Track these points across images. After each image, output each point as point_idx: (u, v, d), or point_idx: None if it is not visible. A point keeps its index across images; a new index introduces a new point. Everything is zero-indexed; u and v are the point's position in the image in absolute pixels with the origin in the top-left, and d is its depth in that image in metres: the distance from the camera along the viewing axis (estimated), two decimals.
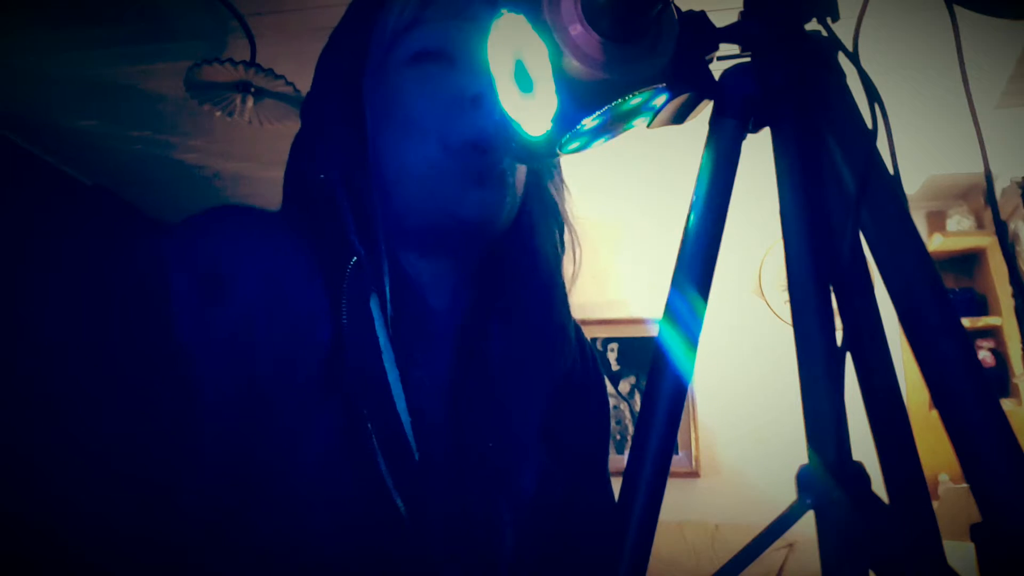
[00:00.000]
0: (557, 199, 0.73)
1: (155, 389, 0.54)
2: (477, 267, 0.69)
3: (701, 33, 0.54)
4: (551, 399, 0.68)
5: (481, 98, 0.61)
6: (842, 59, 0.52)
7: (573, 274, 0.74)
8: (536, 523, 0.64)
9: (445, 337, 0.67)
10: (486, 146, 0.62)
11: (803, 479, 0.47)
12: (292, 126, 1.12)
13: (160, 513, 0.53)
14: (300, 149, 0.69)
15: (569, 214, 0.74)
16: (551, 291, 0.70)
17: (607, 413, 0.80)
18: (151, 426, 0.54)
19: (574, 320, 0.79)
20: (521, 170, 0.67)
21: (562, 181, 0.75)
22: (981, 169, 0.52)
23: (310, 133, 0.68)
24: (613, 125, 0.56)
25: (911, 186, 3.29)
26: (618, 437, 3.43)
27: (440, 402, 0.64)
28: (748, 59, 0.54)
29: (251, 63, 2.04)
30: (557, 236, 0.72)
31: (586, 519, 0.70)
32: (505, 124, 0.56)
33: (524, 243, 0.69)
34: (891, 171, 0.50)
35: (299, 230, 0.63)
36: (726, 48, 0.55)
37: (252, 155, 2.93)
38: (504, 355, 0.67)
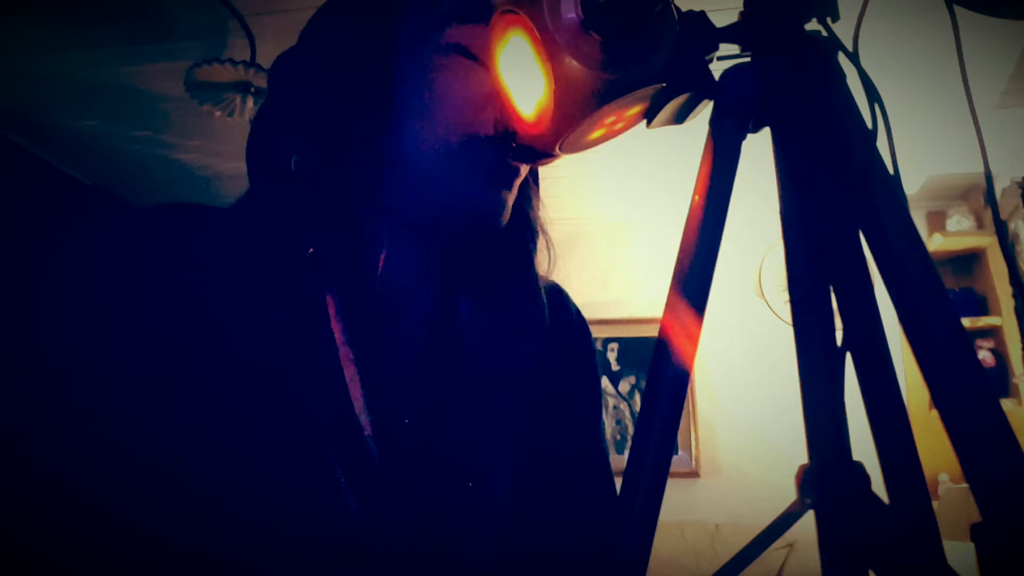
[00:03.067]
0: (533, 199, 0.72)
1: (139, 383, 0.54)
2: (461, 261, 0.68)
3: (701, 33, 0.54)
4: (528, 395, 0.67)
5: (500, 100, 0.60)
6: (842, 59, 0.52)
7: (547, 271, 0.73)
8: (515, 525, 0.63)
9: (419, 332, 0.66)
10: (503, 144, 0.61)
11: (803, 479, 0.47)
12: None
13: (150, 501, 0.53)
14: (279, 121, 0.64)
15: (542, 217, 0.73)
16: (529, 284, 0.69)
17: (598, 402, 0.79)
18: (141, 415, 0.54)
19: (576, 307, 0.78)
20: (523, 171, 0.67)
21: (536, 183, 0.74)
22: (981, 169, 0.52)
23: (301, 101, 0.63)
24: (613, 124, 0.56)
25: (911, 186, 3.29)
26: (618, 437, 3.43)
27: (412, 399, 0.63)
28: (748, 59, 0.54)
29: (251, 63, 2.04)
30: (528, 237, 0.71)
31: (579, 516, 0.69)
32: (513, 124, 0.56)
33: (502, 237, 0.68)
34: (891, 171, 0.50)
35: (258, 220, 0.61)
36: (726, 48, 0.55)
37: None
38: (479, 347, 0.66)
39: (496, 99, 0.61)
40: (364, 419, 0.59)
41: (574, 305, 0.79)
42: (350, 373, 0.59)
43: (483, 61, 0.63)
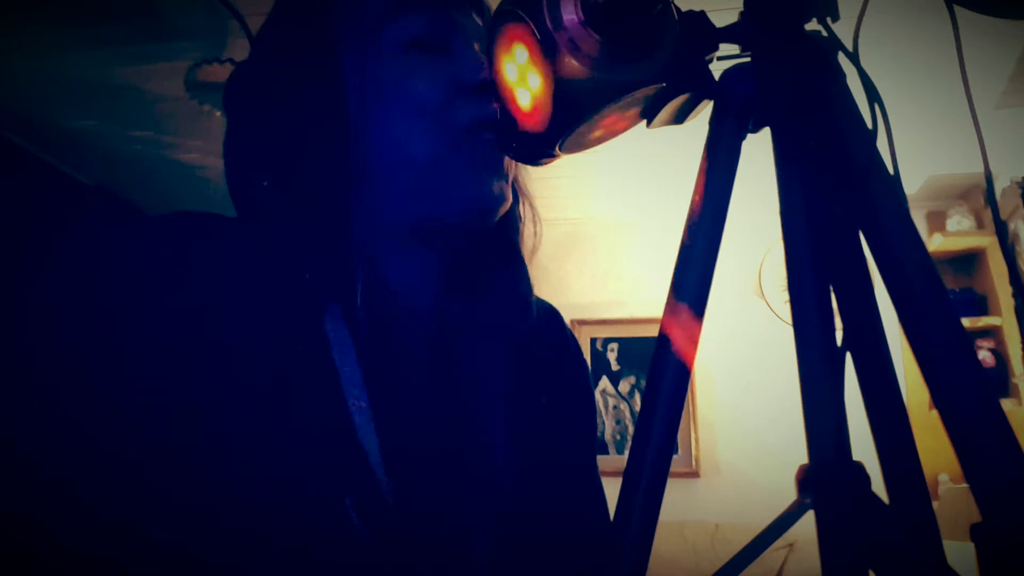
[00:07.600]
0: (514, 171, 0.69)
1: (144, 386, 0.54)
2: (454, 257, 0.66)
3: (701, 33, 0.54)
4: (518, 397, 0.65)
5: (486, 87, 0.58)
6: (842, 59, 0.52)
7: (533, 248, 0.70)
8: (515, 526, 0.62)
9: (422, 338, 0.63)
10: (493, 130, 0.59)
11: (803, 479, 0.47)
12: None
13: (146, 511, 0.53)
14: (243, 144, 0.62)
15: (525, 186, 0.71)
16: (515, 266, 0.67)
17: (592, 415, 0.77)
18: (138, 422, 0.54)
19: (572, 335, 0.77)
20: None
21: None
22: (981, 169, 0.52)
23: (257, 123, 0.61)
24: (613, 124, 0.56)
25: (911, 186, 3.28)
26: (618, 437, 3.43)
27: (420, 409, 0.62)
28: (748, 59, 0.54)
29: None
30: (517, 210, 0.69)
31: (571, 520, 0.68)
32: (506, 121, 0.56)
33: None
34: (891, 171, 0.50)
35: (254, 243, 0.59)
36: (726, 48, 0.55)
37: None
38: (470, 339, 0.64)
39: (484, 88, 0.58)
40: (372, 445, 0.57)
41: (570, 332, 0.77)
42: (362, 401, 0.57)
43: (456, 52, 0.61)
